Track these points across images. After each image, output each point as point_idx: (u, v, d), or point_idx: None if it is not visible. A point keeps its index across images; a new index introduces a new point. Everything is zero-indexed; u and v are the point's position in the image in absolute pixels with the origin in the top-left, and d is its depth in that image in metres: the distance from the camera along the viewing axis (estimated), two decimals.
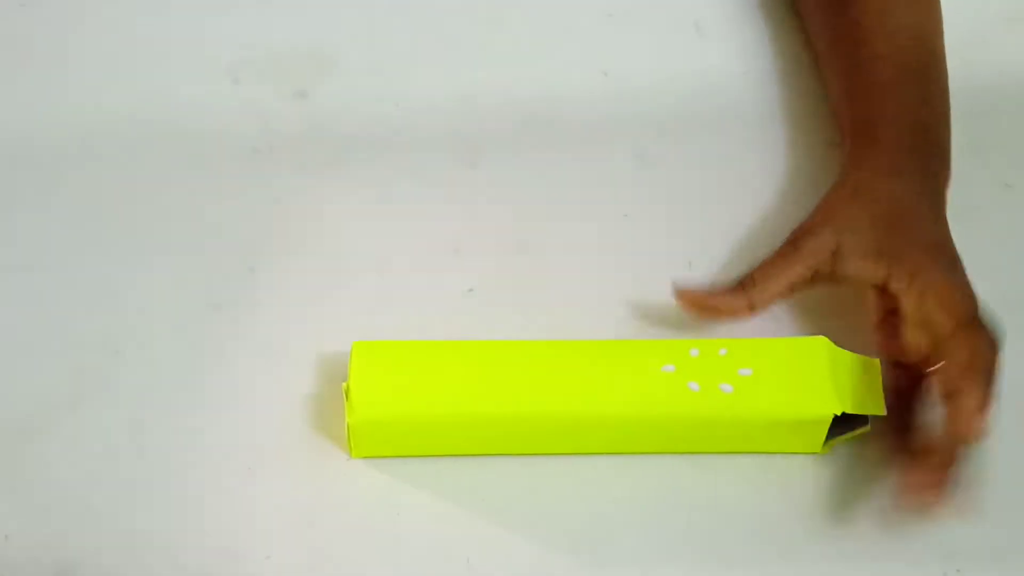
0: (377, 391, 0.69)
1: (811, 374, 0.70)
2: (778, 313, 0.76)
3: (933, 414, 0.70)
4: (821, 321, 0.75)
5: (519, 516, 0.70)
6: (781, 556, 0.70)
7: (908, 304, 0.71)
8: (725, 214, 0.80)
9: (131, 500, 0.70)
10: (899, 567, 0.70)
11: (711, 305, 0.73)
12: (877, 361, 0.71)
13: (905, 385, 0.72)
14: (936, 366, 0.70)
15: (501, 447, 0.71)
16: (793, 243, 0.73)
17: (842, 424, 0.70)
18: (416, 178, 0.81)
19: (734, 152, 0.77)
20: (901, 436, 0.71)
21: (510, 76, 0.84)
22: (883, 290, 0.72)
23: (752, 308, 0.72)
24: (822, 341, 0.71)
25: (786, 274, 0.72)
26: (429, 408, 0.69)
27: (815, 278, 0.73)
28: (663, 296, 0.77)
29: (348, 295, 0.76)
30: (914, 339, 0.71)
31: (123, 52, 0.85)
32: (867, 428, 0.71)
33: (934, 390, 0.70)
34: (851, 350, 0.71)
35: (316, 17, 0.86)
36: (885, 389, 0.71)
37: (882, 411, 0.70)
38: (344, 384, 0.69)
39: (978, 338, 0.70)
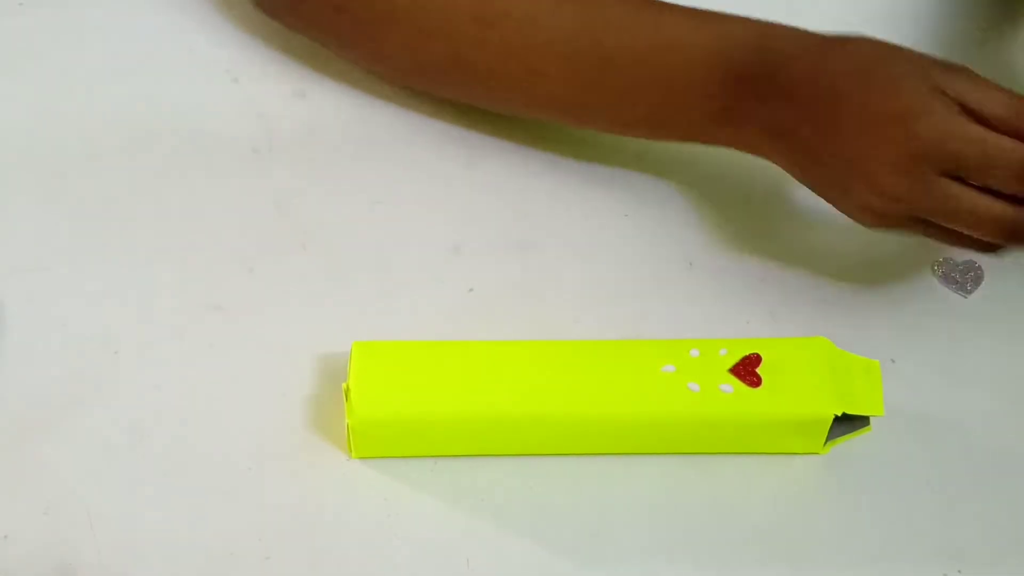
0: (377, 391, 0.69)
1: (811, 374, 0.70)
2: (778, 313, 0.76)
3: None
4: (821, 321, 0.76)
5: (519, 516, 0.70)
6: (781, 556, 0.70)
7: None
8: (725, 214, 0.80)
9: (131, 500, 0.70)
10: (899, 567, 0.70)
11: None
12: (877, 362, 0.71)
13: None
14: None
15: (501, 447, 0.71)
16: None
17: (842, 424, 0.70)
18: (416, 178, 0.81)
19: (734, 152, 0.77)
20: None
21: None
22: None
23: None
24: (822, 341, 0.71)
25: None
26: (429, 408, 0.69)
27: None
28: (663, 296, 0.77)
29: (348, 295, 0.76)
30: None
31: (123, 52, 0.85)
32: (867, 428, 0.71)
33: None
34: (851, 350, 0.71)
35: None
36: None
37: (881, 412, 0.70)
38: (344, 384, 0.69)
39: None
